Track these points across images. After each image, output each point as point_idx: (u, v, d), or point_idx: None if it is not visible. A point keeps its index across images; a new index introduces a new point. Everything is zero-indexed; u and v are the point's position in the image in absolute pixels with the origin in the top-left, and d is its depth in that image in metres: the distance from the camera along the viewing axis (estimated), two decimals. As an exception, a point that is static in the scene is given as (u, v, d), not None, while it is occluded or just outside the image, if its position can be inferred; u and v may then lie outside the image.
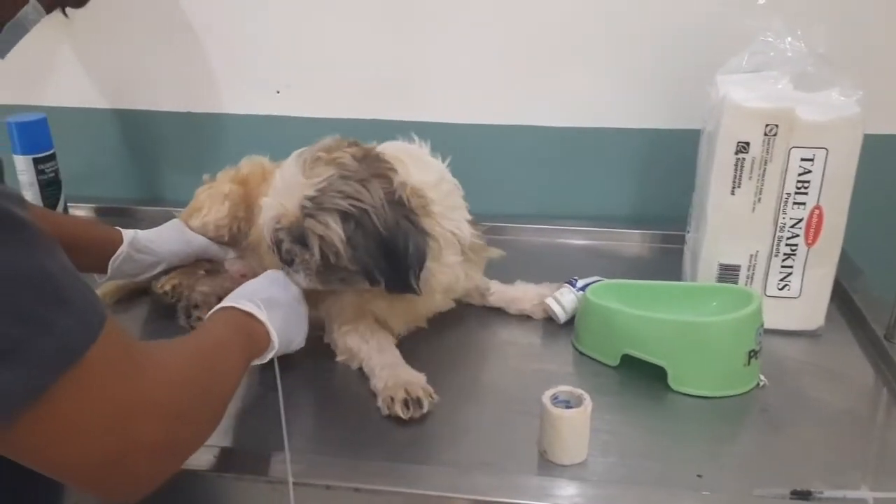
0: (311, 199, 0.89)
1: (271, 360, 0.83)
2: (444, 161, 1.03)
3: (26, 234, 0.48)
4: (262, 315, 0.79)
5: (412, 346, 1.00)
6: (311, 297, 0.96)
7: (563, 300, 1.06)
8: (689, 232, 1.15)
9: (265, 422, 0.85)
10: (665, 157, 1.34)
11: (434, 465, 0.80)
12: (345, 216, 0.88)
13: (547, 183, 1.41)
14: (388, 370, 0.92)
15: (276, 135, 1.42)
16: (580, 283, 1.08)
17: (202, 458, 0.77)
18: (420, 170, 0.97)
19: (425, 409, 0.87)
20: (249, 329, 0.79)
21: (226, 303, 0.80)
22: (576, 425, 0.79)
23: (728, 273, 1.04)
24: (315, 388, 0.96)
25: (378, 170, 0.92)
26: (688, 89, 1.22)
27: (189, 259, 1.13)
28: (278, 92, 1.43)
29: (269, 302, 0.82)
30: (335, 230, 0.88)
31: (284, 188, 0.92)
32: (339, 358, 1.00)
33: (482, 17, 1.32)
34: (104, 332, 0.51)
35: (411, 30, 1.35)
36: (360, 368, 0.97)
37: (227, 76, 1.45)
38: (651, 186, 1.38)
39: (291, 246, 0.92)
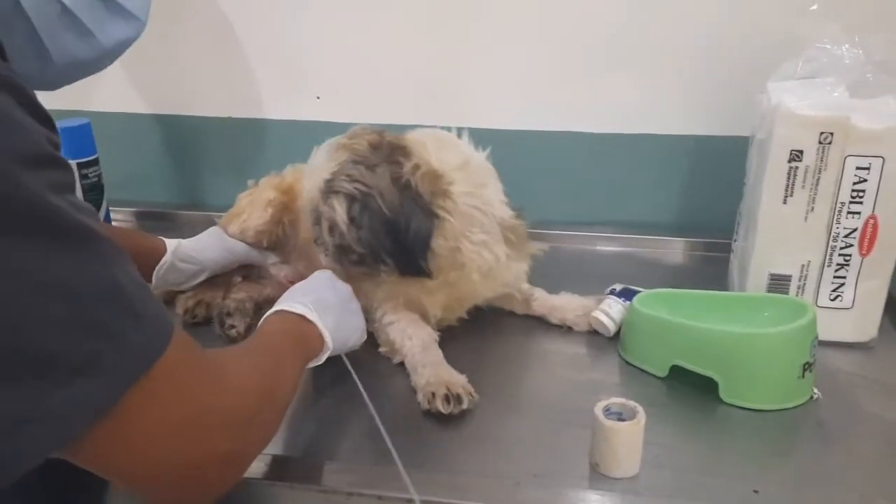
0: (325, 182, 0.93)
1: (341, 365, 0.85)
2: (484, 152, 1.03)
3: (101, 246, 0.48)
4: (313, 316, 0.80)
5: (456, 353, 0.98)
6: (355, 288, 0.96)
7: (611, 312, 1.05)
8: (735, 241, 1.13)
9: (319, 428, 0.86)
10: (710, 164, 1.33)
11: (487, 477, 0.79)
12: (351, 199, 0.91)
13: (589, 189, 1.40)
14: (430, 368, 0.93)
15: (317, 140, 1.39)
16: (618, 289, 1.07)
17: (254, 467, 0.75)
18: (442, 152, 0.97)
19: (465, 406, 0.87)
20: (303, 332, 0.79)
21: (277, 307, 0.81)
22: (629, 438, 0.78)
23: (779, 283, 1.02)
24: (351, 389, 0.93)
25: (390, 156, 0.93)
26: (735, 96, 1.21)
27: (231, 266, 1.14)
28: (318, 98, 1.44)
29: (319, 303, 0.83)
30: (339, 212, 0.92)
31: (314, 172, 0.99)
32: (382, 349, 1.01)
33: (524, 23, 1.31)
34: (172, 343, 0.52)
35: (453, 35, 1.35)
36: (402, 364, 0.98)
37: (268, 81, 1.46)
38: (695, 194, 1.36)
39: (314, 226, 0.97)
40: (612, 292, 1.07)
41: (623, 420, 0.79)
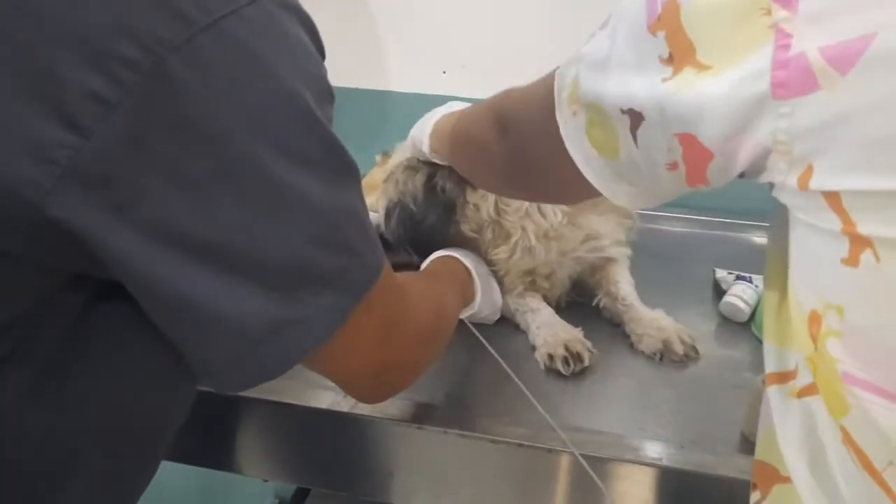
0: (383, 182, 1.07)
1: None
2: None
3: (356, 178, 0.54)
4: (474, 274, 0.88)
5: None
6: None
7: (744, 296, 1.04)
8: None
9: (456, 385, 0.89)
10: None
11: (644, 437, 0.78)
12: (390, 199, 1.03)
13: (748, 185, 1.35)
14: (545, 328, 0.95)
15: (441, 115, 1.43)
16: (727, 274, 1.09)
17: (406, 411, 0.79)
18: None
19: (586, 363, 0.88)
20: (464, 281, 0.87)
21: (446, 251, 0.89)
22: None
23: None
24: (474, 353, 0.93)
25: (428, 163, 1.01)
26: None
27: None
28: (444, 72, 1.44)
29: (477, 268, 0.91)
30: (380, 207, 1.04)
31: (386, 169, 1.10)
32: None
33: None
34: (385, 265, 0.57)
35: (589, 9, 1.33)
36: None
37: (395, 54, 1.47)
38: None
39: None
40: (746, 279, 1.07)
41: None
